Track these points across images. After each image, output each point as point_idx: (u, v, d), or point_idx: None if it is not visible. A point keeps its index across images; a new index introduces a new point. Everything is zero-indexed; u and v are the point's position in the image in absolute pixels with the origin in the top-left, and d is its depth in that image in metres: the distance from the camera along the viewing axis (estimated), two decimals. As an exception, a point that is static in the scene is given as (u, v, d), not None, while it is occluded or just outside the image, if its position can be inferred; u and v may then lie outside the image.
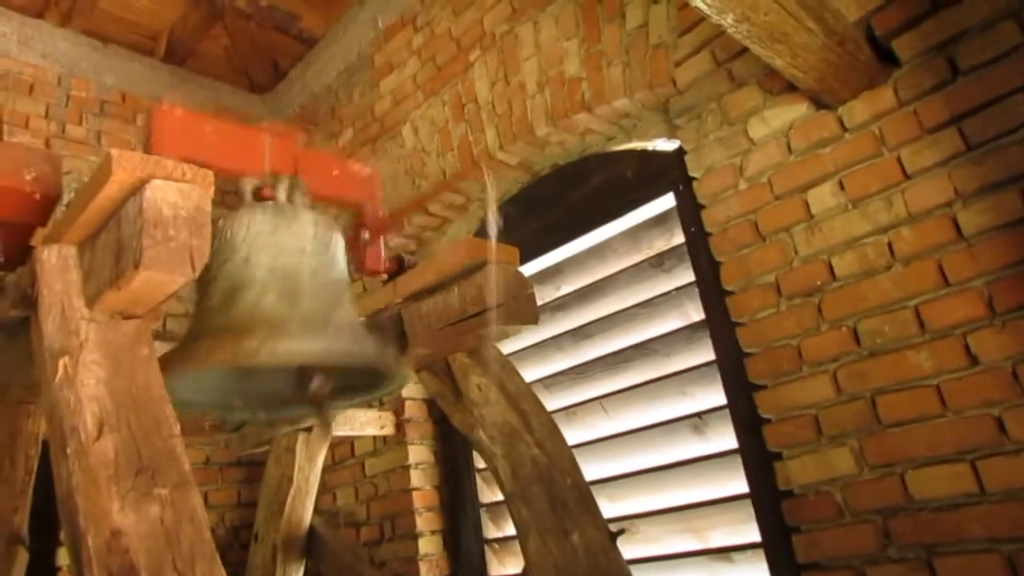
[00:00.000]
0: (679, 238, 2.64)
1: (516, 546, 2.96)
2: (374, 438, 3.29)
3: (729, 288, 2.27)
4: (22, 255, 1.64)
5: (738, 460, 2.29)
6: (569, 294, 2.96)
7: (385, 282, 2.07)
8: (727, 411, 2.34)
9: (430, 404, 3.31)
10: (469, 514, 3.09)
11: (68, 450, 1.11)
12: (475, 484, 3.11)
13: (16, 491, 1.80)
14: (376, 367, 1.66)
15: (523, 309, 1.81)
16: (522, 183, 3.29)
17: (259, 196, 1.67)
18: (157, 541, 1.05)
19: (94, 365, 1.22)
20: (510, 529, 3.01)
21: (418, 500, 3.11)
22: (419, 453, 3.20)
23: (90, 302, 1.29)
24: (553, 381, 2.93)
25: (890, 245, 1.92)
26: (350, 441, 3.37)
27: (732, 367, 2.29)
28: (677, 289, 2.63)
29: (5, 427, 1.78)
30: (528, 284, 1.84)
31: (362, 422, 2.97)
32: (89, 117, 3.74)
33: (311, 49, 4.18)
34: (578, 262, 3.00)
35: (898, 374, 1.88)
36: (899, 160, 1.91)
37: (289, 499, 2.42)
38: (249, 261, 1.56)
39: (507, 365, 1.96)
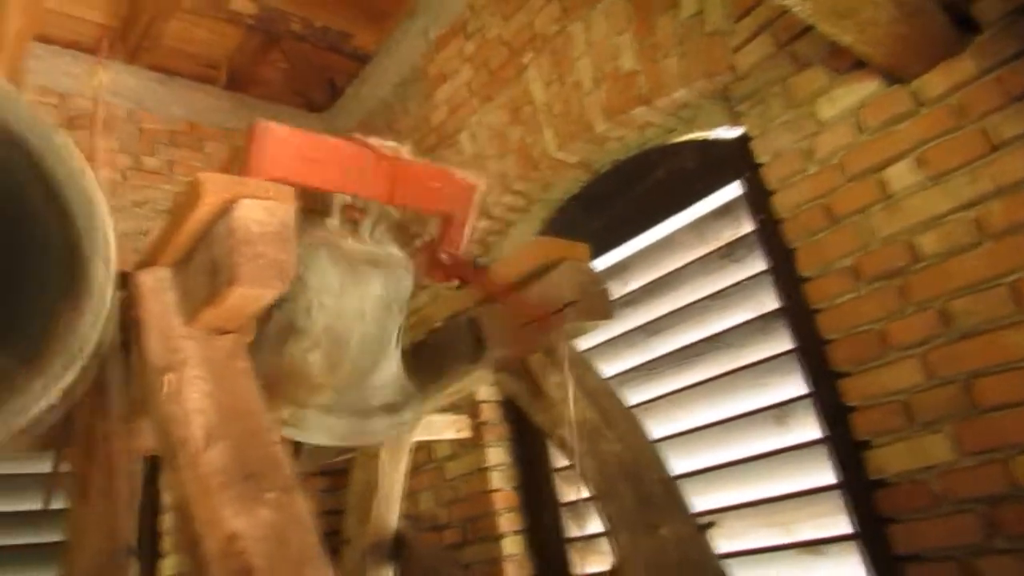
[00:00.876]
0: (747, 227, 2.60)
1: (599, 544, 2.96)
2: (451, 442, 3.33)
3: (805, 274, 2.22)
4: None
5: (823, 450, 2.23)
6: (637, 289, 2.94)
7: (459, 287, 2.09)
8: (809, 401, 2.29)
9: (505, 406, 3.33)
10: (550, 514, 3.09)
11: (179, 460, 1.17)
12: (554, 484, 3.11)
13: (124, 506, 1.88)
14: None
15: (597, 305, 1.81)
16: (583, 182, 3.29)
17: (347, 216, 1.71)
18: (269, 543, 1.09)
19: (197, 379, 1.27)
20: (592, 528, 3.00)
21: (498, 502, 3.14)
22: (497, 455, 3.23)
23: (188, 320, 1.36)
24: (625, 378, 2.91)
25: (978, 221, 1.85)
26: (428, 446, 3.41)
27: (813, 355, 2.24)
28: (748, 279, 2.58)
29: (112, 443, 1.87)
30: (601, 280, 1.85)
31: (439, 426, 3.00)
32: (160, 148, 3.90)
33: (365, 66, 4.27)
34: (644, 257, 2.98)
35: (994, 355, 1.80)
36: (983, 131, 1.84)
37: (375, 504, 2.47)
38: (310, 314, 1.62)
39: (584, 362, 1.96)
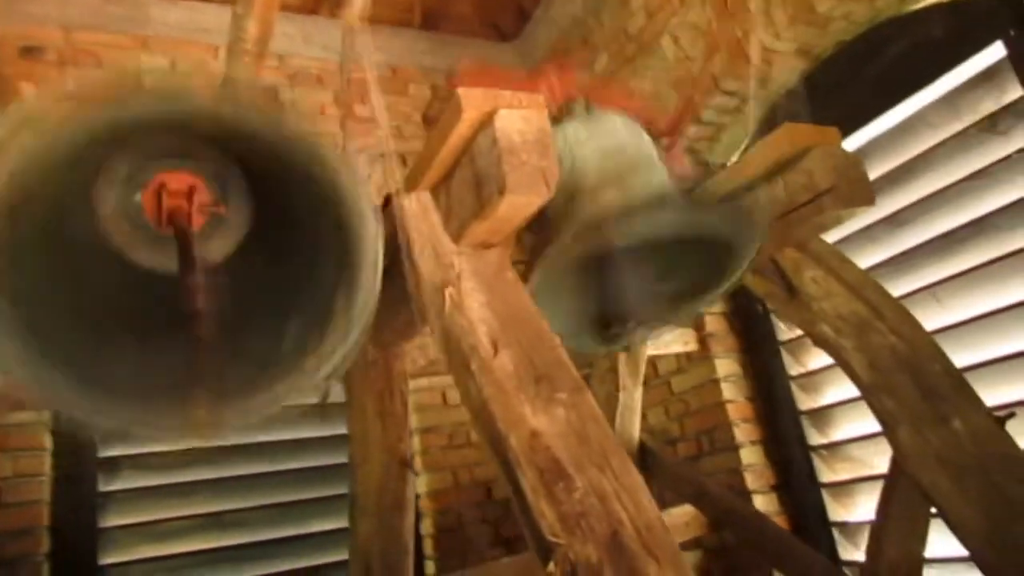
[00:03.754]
0: (1013, 93, 2.27)
1: (845, 451, 2.82)
2: (676, 356, 3.30)
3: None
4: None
5: None
6: (877, 179, 2.68)
7: (692, 190, 2.02)
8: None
9: (730, 317, 3.24)
10: (788, 422, 2.99)
11: (472, 367, 1.23)
12: (791, 392, 3.00)
13: (399, 422, 2.06)
14: (732, 238, 1.63)
15: (857, 190, 1.67)
16: (801, 71, 3.03)
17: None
18: (570, 439, 1.12)
19: (474, 292, 1.33)
20: (837, 435, 2.87)
21: (733, 412, 3.08)
22: (726, 366, 3.15)
23: (455, 237, 1.41)
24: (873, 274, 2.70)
25: None
26: (652, 361, 3.40)
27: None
28: (1019, 151, 2.27)
29: (383, 368, 2.03)
30: (860, 162, 1.69)
31: (666, 341, 2.97)
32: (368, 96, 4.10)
33: (552, -14, 4.18)
34: (880, 145, 2.71)
35: None
36: None
37: (618, 417, 2.51)
38: (575, 169, 1.61)
39: (839, 255, 1.83)
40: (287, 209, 1.40)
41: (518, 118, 1.27)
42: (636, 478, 1.11)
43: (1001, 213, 2.32)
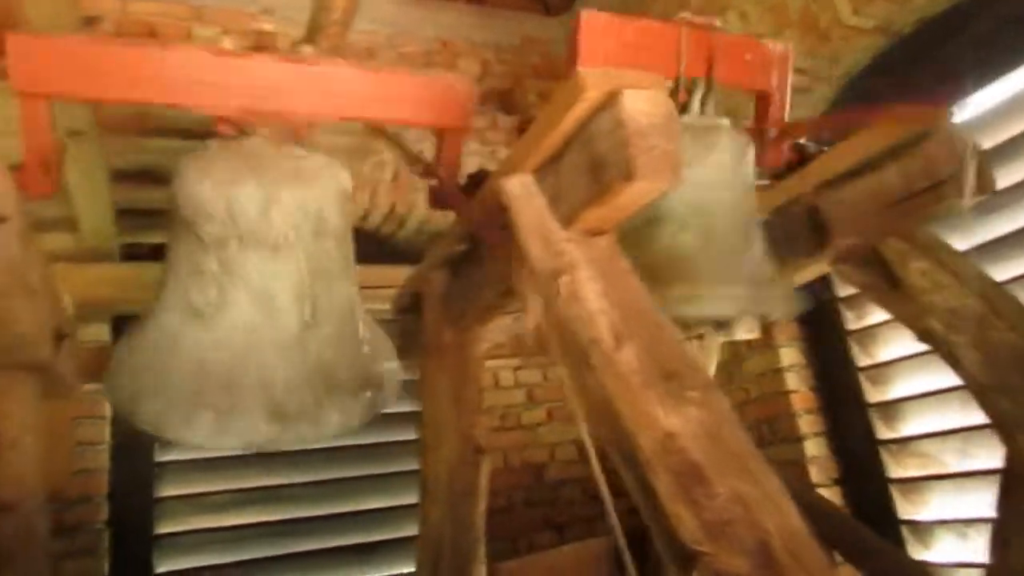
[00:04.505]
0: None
1: (916, 446, 2.75)
2: (738, 343, 3.22)
3: None
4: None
5: None
6: (964, 165, 2.57)
7: (783, 175, 1.93)
8: None
9: (795, 304, 3.16)
10: (855, 415, 2.91)
11: (592, 361, 1.17)
12: (859, 383, 2.92)
13: (473, 407, 2.01)
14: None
15: (979, 176, 1.58)
16: (877, 49, 2.91)
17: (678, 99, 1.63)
18: (705, 441, 1.07)
19: (589, 281, 1.26)
20: (906, 429, 2.79)
21: (796, 402, 3.01)
22: (790, 355, 3.08)
23: (564, 223, 1.34)
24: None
25: None
26: (712, 347, 3.34)
27: None
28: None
29: (458, 354, 1.98)
30: (979, 147, 1.60)
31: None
32: (419, 69, 4.02)
33: (608, -43, 4.06)
34: (977, 124, 2.58)
35: None
36: None
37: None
38: (667, 195, 1.54)
39: (947, 246, 1.74)
40: None
41: (644, 99, 1.20)
42: (777, 484, 1.05)
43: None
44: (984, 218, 2.48)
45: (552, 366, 3.70)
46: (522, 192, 1.42)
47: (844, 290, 2.97)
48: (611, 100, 1.21)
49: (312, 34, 1.77)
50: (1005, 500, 1.51)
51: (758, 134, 1.83)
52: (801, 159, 1.88)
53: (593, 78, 1.20)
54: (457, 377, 2.01)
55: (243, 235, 1.51)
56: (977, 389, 1.60)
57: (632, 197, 1.21)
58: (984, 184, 1.58)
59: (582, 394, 1.21)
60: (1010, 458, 1.54)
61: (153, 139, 2.49)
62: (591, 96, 1.21)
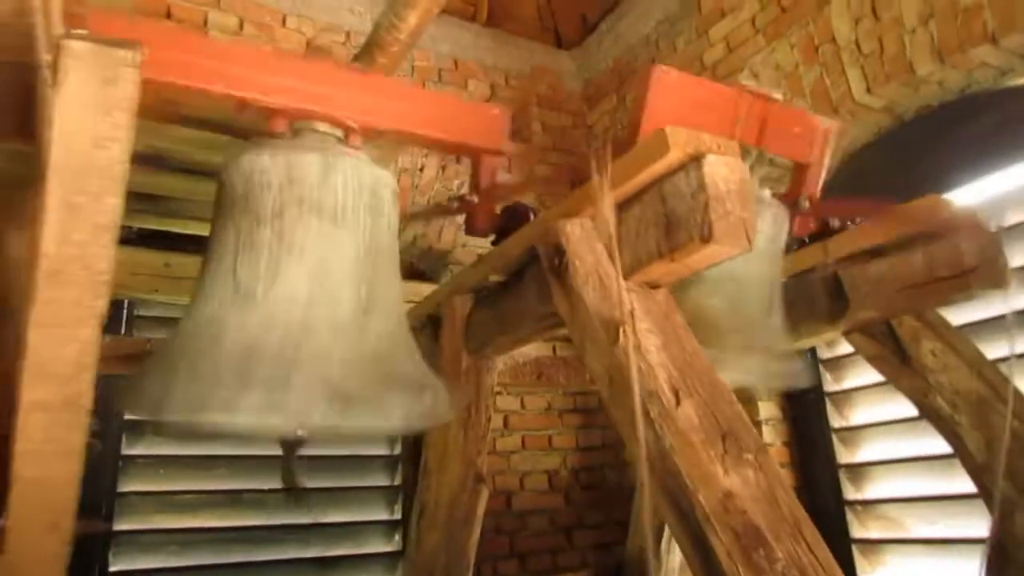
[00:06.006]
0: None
1: (882, 509, 2.85)
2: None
3: None
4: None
5: None
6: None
7: (808, 243, 2.01)
8: None
9: (776, 360, 3.25)
10: (825, 473, 3.01)
11: (652, 414, 1.19)
12: (831, 443, 3.01)
13: (480, 436, 2.02)
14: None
15: (996, 273, 1.67)
16: (880, 129, 3.05)
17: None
18: (763, 504, 1.10)
19: (648, 333, 1.29)
20: (872, 492, 2.89)
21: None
22: (767, 409, 3.17)
23: (625, 273, 1.37)
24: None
25: None
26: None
27: None
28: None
29: (473, 381, 1.99)
30: (1001, 245, 1.70)
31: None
32: (430, 85, 4.03)
33: (622, 0, 4.16)
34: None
35: None
36: None
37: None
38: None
39: (955, 330, 1.84)
40: None
41: (723, 164, 1.25)
42: (827, 551, 1.10)
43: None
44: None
45: (530, 394, 3.72)
46: (582, 235, 1.45)
47: (825, 352, 3.08)
48: (693, 162, 1.25)
49: (370, 47, 1.77)
50: (989, 576, 1.58)
51: (791, 203, 1.90)
52: (824, 230, 1.96)
53: (676, 137, 1.24)
54: (469, 404, 2.02)
55: (303, 199, 1.45)
56: (976, 469, 1.68)
57: (705, 258, 1.26)
58: (1001, 280, 1.67)
59: (636, 445, 1.24)
60: (1001, 537, 1.62)
61: (172, 127, 2.44)
62: (675, 156, 1.25)
